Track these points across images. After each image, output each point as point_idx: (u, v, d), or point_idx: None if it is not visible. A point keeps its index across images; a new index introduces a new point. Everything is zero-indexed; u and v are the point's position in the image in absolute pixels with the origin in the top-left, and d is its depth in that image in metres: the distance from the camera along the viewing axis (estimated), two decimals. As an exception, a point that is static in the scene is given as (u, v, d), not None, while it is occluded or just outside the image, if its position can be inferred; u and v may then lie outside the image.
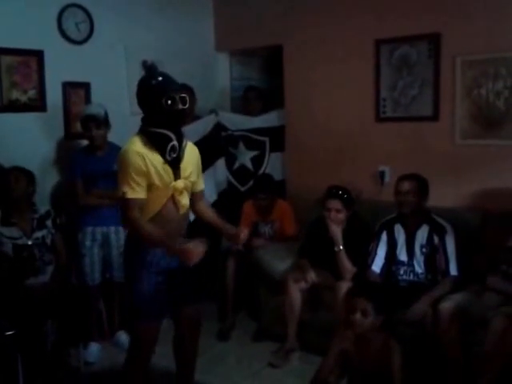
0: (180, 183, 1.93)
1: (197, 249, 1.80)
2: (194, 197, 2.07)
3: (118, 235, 2.71)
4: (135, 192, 1.85)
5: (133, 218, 1.87)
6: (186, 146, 1.98)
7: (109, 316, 2.89)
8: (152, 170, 1.87)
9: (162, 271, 1.96)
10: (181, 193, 1.94)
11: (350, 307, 2.04)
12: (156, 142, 1.88)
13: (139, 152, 1.85)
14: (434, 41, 2.83)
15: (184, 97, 1.89)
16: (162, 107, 1.85)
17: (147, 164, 1.86)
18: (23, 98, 2.82)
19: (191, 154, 2.02)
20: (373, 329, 2.03)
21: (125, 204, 1.86)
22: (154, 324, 1.97)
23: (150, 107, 1.89)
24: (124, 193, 1.85)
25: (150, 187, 1.89)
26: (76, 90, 3.00)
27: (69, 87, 2.97)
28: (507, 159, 2.71)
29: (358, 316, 2.01)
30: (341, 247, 2.63)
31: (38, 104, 2.87)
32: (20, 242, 2.57)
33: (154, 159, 1.87)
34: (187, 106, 1.91)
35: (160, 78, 1.90)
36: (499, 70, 2.68)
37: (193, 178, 2.02)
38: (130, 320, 2.02)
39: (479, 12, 2.70)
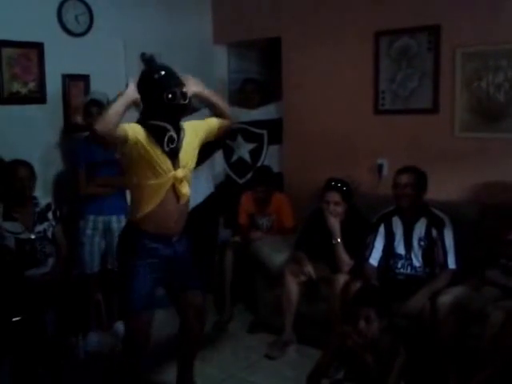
0: (180, 172, 1.95)
1: None
2: None
3: (119, 224, 2.71)
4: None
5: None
6: (183, 137, 1.99)
7: (107, 306, 2.91)
8: (146, 157, 1.87)
9: (155, 258, 1.96)
10: (181, 182, 1.96)
11: (354, 317, 2.04)
12: (154, 134, 1.90)
13: (138, 135, 1.86)
14: (433, 32, 2.81)
15: (185, 92, 1.91)
16: (163, 101, 1.86)
17: (139, 147, 1.86)
18: (24, 90, 2.83)
19: (189, 140, 2.02)
20: (379, 332, 2.04)
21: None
22: (145, 314, 1.98)
23: (150, 100, 1.90)
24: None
25: (149, 177, 1.90)
26: (75, 82, 3.01)
27: (68, 79, 2.98)
28: (507, 152, 2.68)
29: (362, 324, 2.01)
30: (338, 240, 2.63)
31: (38, 96, 2.88)
32: (23, 236, 2.58)
33: (151, 149, 1.88)
34: (187, 101, 1.92)
35: (162, 72, 1.91)
36: (500, 62, 2.65)
37: (191, 166, 2.03)
38: (122, 310, 2.03)
39: (480, 3, 2.67)
